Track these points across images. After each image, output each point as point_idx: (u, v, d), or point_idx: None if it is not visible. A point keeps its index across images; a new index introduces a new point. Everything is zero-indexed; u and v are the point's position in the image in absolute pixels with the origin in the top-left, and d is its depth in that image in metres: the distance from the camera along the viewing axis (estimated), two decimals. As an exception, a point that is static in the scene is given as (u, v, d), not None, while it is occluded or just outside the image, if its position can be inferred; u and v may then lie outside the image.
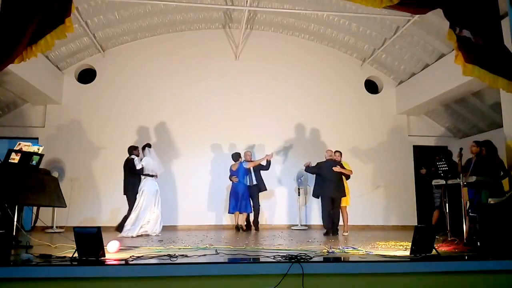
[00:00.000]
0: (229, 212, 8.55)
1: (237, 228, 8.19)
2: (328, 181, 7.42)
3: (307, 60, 10.06)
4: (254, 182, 8.46)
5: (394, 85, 10.29)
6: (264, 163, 8.54)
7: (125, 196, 7.43)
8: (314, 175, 7.74)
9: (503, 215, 4.32)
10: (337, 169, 7.38)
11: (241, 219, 8.35)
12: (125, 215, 7.20)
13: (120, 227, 7.09)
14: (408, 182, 9.75)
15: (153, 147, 7.50)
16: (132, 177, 7.25)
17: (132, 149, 7.44)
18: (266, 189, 8.63)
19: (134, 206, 6.95)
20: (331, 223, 7.33)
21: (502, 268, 3.48)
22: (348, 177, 7.66)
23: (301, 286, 3.11)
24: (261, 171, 8.55)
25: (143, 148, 7.37)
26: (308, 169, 7.78)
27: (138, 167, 7.13)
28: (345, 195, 7.51)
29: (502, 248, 3.96)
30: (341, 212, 7.58)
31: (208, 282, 3.17)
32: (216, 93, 9.63)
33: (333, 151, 7.75)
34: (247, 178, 8.47)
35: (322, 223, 7.66)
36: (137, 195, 7.02)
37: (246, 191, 8.37)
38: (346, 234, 7.39)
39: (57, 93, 9.07)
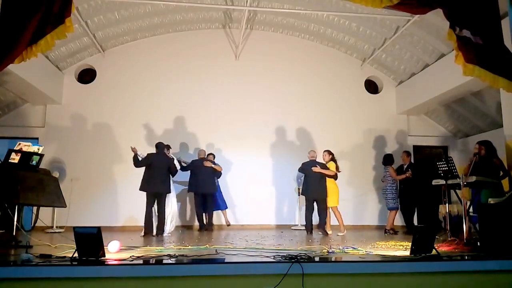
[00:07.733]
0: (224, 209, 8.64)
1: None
2: (309, 182, 7.53)
3: (307, 60, 10.05)
4: None
5: (394, 85, 10.29)
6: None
7: (157, 193, 7.19)
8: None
9: (503, 215, 4.32)
10: (316, 169, 7.41)
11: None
12: (163, 215, 7.14)
13: (160, 228, 7.05)
14: (408, 182, 9.73)
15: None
16: (169, 176, 7.34)
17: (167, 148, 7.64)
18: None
19: (171, 204, 7.24)
20: (307, 222, 7.48)
21: (502, 268, 3.48)
22: (335, 177, 7.61)
23: (301, 286, 3.11)
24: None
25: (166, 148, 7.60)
26: (299, 169, 7.86)
27: (179, 167, 7.49)
28: (325, 196, 7.47)
29: (502, 248, 3.96)
30: (333, 212, 7.62)
31: (208, 282, 3.17)
32: (216, 93, 9.61)
33: (315, 151, 7.89)
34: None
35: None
36: (171, 195, 7.29)
37: None
38: (341, 234, 7.32)
39: (57, 93, 9.06)
